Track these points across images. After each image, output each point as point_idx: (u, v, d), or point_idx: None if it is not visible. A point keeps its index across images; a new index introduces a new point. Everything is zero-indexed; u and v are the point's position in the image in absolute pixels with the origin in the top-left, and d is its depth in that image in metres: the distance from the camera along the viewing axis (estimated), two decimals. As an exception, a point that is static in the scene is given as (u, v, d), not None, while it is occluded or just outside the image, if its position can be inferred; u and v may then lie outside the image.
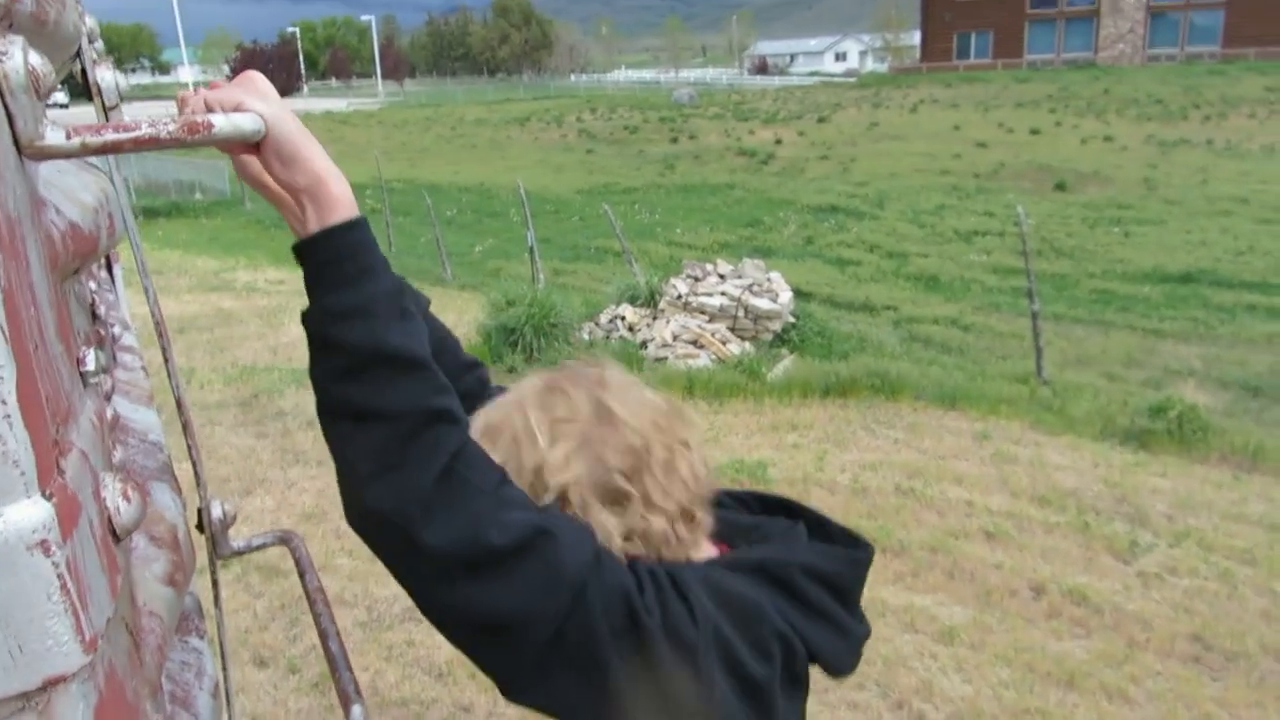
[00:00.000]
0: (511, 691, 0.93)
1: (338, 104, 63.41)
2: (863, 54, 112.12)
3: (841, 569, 1.11)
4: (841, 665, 1.09)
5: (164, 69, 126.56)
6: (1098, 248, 14.11)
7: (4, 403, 0.42)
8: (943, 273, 12.65)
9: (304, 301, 0.88)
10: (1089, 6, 47.61)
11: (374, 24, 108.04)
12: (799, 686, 1.04)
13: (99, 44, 1.03)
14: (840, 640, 1.08)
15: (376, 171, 17.04)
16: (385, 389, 0.85)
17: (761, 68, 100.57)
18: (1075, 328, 9.78)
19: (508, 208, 19.63)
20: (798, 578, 1.05)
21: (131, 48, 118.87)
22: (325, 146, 0.88)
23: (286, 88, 59.98)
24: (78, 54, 0.93)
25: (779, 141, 29.54)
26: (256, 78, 0.89)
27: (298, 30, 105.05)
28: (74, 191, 0.80)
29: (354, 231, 0.87)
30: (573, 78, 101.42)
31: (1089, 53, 47.63)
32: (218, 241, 16.45)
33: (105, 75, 0.93)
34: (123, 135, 0.69)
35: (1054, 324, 9.48)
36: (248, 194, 22.54)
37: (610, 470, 0.99)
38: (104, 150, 0.68)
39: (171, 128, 0.73)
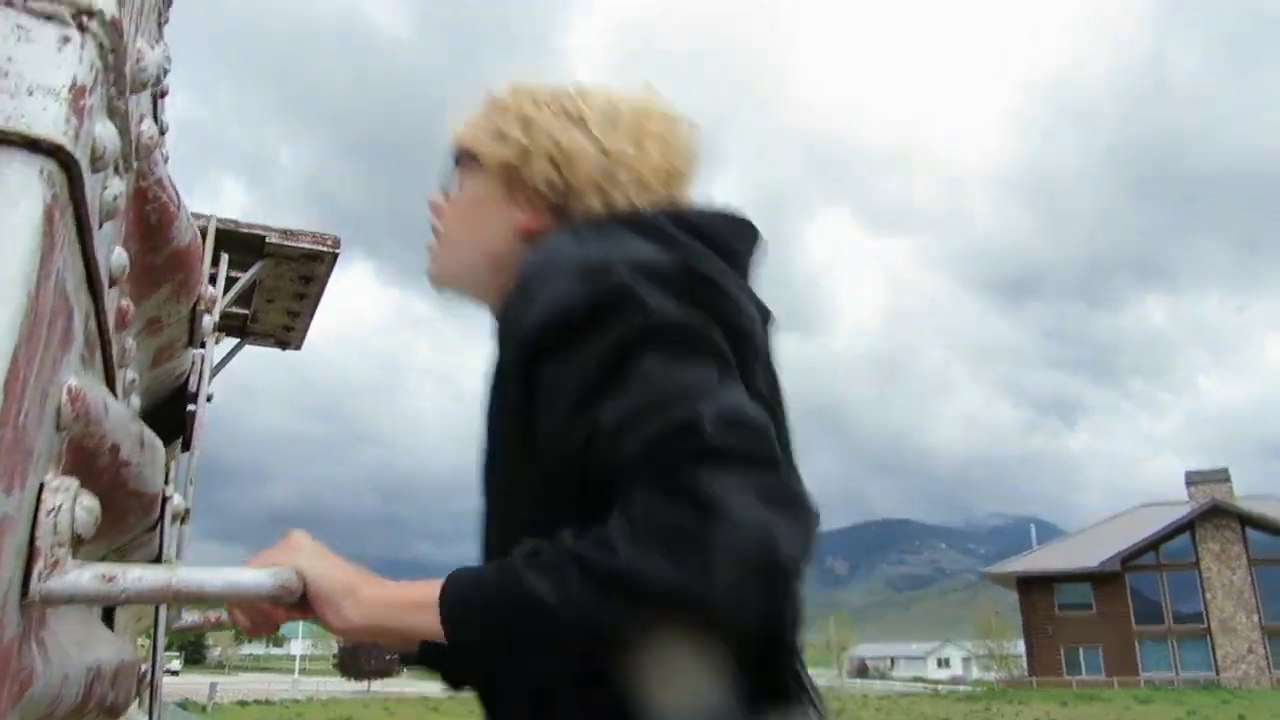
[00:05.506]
0: None
1: (432, 688, 63.60)
2: (965, 660, 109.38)
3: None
4: None
5: (279, 642, 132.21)
6: None
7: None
8: None
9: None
10: (1199, 626, 46.45)
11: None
12: None
13: None
14: None
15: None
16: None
17: (861, 670, 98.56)
18: None
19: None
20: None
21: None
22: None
23: (388, 668, 61.33)
24: None
25: (886, 759, 27.52)
26: (295, 536, 0.90)
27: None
28: None
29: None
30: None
31: (1210, 672, 45.13)
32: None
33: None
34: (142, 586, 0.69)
35: None
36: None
37: None
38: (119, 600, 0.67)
39: (197, 576, 0.72)
